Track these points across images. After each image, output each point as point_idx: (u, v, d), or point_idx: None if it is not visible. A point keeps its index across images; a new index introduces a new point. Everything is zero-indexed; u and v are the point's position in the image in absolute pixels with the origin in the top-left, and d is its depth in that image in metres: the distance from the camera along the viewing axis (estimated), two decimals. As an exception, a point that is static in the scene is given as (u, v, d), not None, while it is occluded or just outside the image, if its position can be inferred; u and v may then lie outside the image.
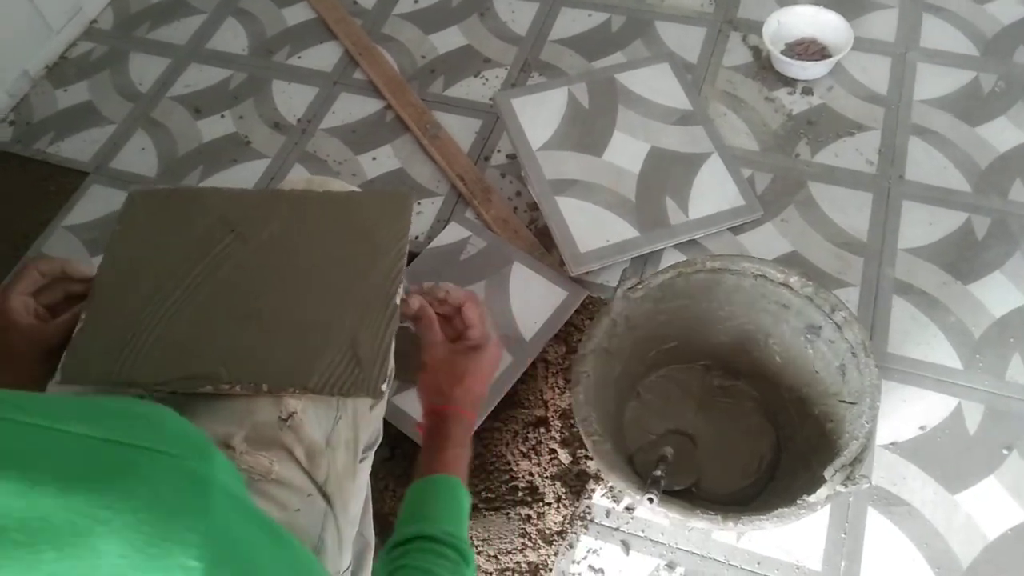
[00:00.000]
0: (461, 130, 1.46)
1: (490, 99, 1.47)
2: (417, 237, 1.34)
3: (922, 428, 1.10)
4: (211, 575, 0.35)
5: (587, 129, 1.36)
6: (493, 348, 0.81)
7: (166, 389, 0.70)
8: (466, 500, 0.74)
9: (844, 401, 0.93)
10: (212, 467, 0.39)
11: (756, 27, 1.50)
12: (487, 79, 1.54)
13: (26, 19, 1.60)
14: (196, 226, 0.80)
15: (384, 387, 0.71)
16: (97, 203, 1.43)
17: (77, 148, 1.52)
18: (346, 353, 0.72)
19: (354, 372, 0.72)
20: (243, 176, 1.44)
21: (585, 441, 0.90)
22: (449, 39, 1.61)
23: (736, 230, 1.29)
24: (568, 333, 1.20)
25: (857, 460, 0.85)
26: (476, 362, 0.78)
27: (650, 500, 0.83)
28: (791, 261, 1.25)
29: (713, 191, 1.30)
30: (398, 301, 0.76)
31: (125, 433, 0.38)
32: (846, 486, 0.83)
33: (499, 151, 1.43)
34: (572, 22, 1.61)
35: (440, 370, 0.78)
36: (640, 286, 0.98)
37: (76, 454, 0.36)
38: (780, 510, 0.84)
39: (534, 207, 1.33)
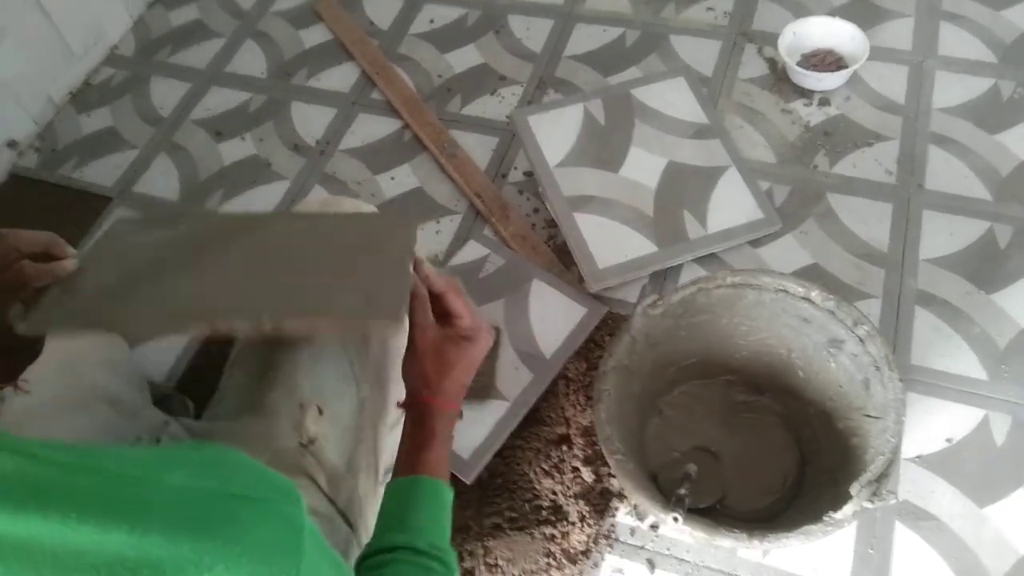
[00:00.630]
0: (478, 148, 1.47)
1: (507, 117, 1.48)
2: (436, 256, 1.34)
3: (948, 440, 1.09)
4: None
5: (604, 145, 1.36)
6: (484, 339, 0.76)
7: (155, 334, 0.67)
8: (450, 500, 0.71)
9: (869, 416, 0.93)
10: (301, 510, 0.42)
11: (771, 39, 1.50)
12: (503, 97, 1.55)
13: (49, 46, 1.63)
14: (193, 229, 0.78)
15: (405, 312, 0.68)
16: (121, 227, 1.45)
17: (101, 173, 1.55)
18: (362, 294, 0.69)
19: (372, 303, 0.68)
20: (264, 198, 1.45)
21: (608, 460, 0.90)
22: (465, 57, 1.62)
23: (755, 243, 1.28)
24: (589, 350, 1.20)
25: (883, 476, 0.85)
26: (467, 353, 0.74)
27: (675, 519, 0.83)
28: (811, 273, 1.25)
29: (731, 204, 1.30)
30: (411, 269, 0.73)
31: (221, 481, 0.40)
32: (872, 502, 0.82)
33: (516, 168, 1.44)
34: (587, 38, 1.62)
35: (428, 355, 0.73)
36: (660, 303, 0.98)
37: (178, 504, 0.38)
38: (806, 527, 0.83)
39: (552, 224, 1.34)
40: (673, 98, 1.41)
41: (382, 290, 0.70)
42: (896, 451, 0.86)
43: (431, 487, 0.70)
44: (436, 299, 0.75)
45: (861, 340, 0.94)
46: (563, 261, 1.30)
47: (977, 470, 1.06)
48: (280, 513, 0.41)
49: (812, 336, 1.00)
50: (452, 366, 0.73)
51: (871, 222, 1.29)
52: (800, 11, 1.58)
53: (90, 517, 0.35)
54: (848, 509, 0.82)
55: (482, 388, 1.15)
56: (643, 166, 1.34)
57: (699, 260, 1.27)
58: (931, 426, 1.10)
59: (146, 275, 0.70)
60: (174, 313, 0.67)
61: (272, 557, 0.39)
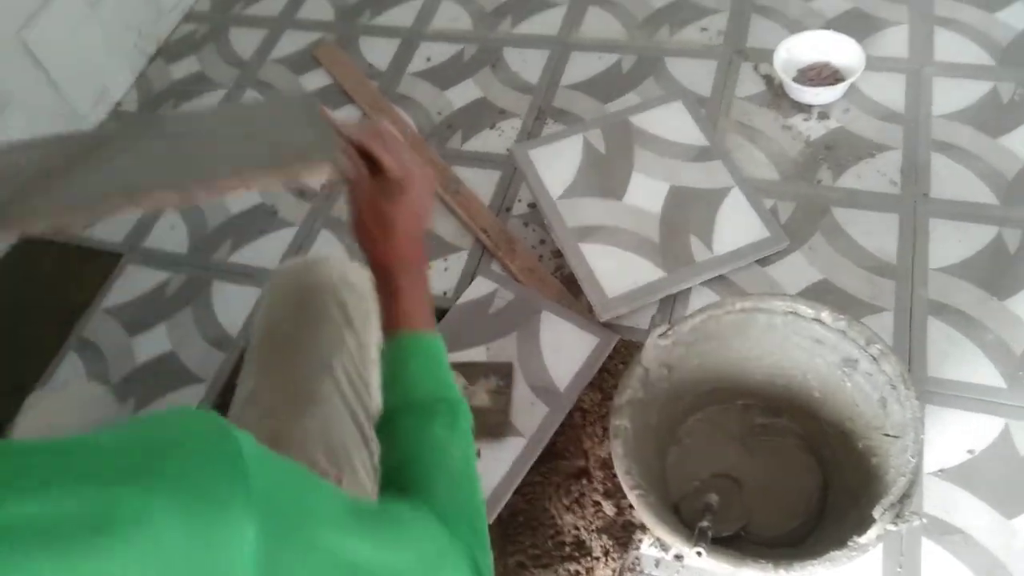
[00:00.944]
0: (481, 183, 1.48)
1: (507, 150, 1.49)
2: (445, 293, 1.35)
3: (970, 452, 1.08)
4: (264, 527, 0.39)
5: (605, 173, 1.37)
6: (417, 182, 0.70)
7: (77, 217, 0.63)
8: (438, 349, 0.69)
9: (888, 435, 0.92)
10: (232, 438, 0.42)
11: (766, 55, 1.51)
12: (503, 130, 1.56)
13: (55, 108, 1.65)
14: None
15: (336, 151, 0.65)
16: (134, 283, 1.47)
17: (110, 229, 1.57)
18: (287, 146, 0.67)
19: (299, 149, 0.66)
20: (272, 246, 1.47)
21: (629, 496, 0.89)
22: (464, 93, 1.63)
23: (763, 262, 1.28)
24: (602, 379, 1.20)
25: (906, 496, 0.84)
26: (403, 204, 0.69)
27: (698, 554, 0.82)
28: (821, 289, 1.24)
29: (737, 225, 1.30)
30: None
31: (145, 430, 0.41)
32: (896, 524, 0.82)
33: (520, 200, 1.44)
34: (583, 66, 1.63)
35: (367, 214, 0.69)
36: (670, 332, 0.98)
37: (102, 460, 0.38)
38: (831, 553, 0.83)
39: (559, 254, 1.34)
40: (672, 122, 1.42)
41: (306, 136, 0.67)
42: (917, 471, 0.85)
43: (413, 342, 0.68)
44: (362, 153, 0.69)
45: (875, 359, 0.93)
46: (572, 291, 1.30)
47: (1001, 481, 1.05)
48: (209, 446, 0.40)
49: (826, 357, 1.00)
50: (393, 220, 0.69)
51: (878, 234, 1.29)
52: (794, 26, 1.58)
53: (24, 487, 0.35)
54: (872, 533, 0.82)
55: (497, 425, 1.15)
56: (646, 192, 1.34)
57: (708, 282, 1.27)
58: (951, 438, 1.09)
59: (57, 172, 0.66)
60: (94, 196, 0.62)
61: (210, 490, 0.38)
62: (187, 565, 0.36)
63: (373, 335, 0.91)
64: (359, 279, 0.94)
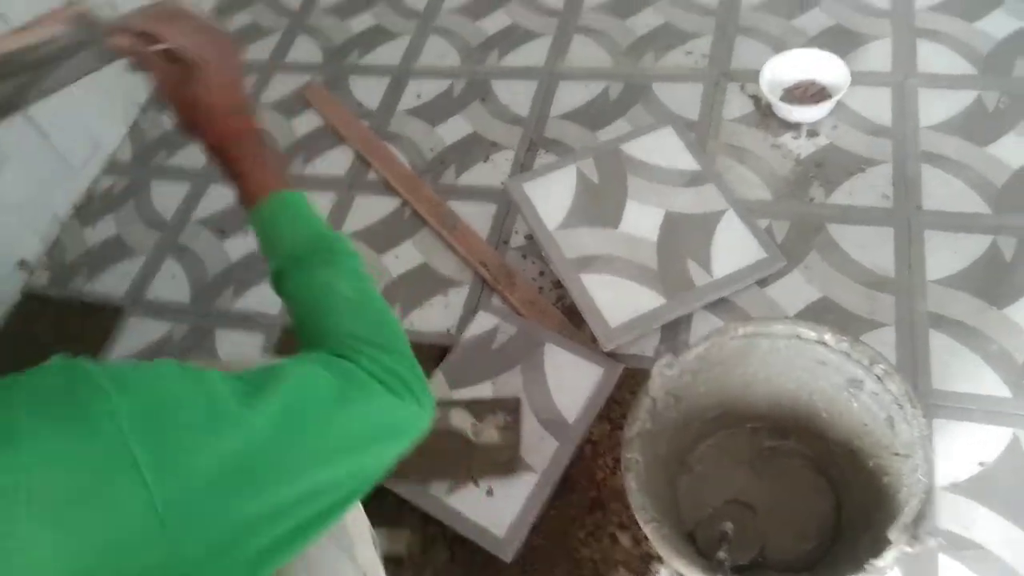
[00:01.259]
0: (478, 217, 1.49)
1: (502, 183, 1.50)
2: (448, 330, 1.36)
3: (981, 464, 1.08)
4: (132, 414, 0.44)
5: (600, 203, 1.38)
6: (214, 50, 0.68)
7: None
8: (298, 198, 0.71)
9: (897, 454, 0.93)
10: (76, 362, 0.47)
11: (752, 75, 1.52)
12: (496, 163, 1.57)
13: (49, 164, 1.66)
14: None
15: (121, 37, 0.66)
16: (136, 337, 1.47)
17: (111, 283, 1.57)
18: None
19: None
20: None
21: (644, 529, 0.89)
22: (455, 128, 1.65)
23: (762, 283, 1.29)
24: (610, 409, 1.21)
25: (920, 517, 0.84)
26: (207, 80, 0.67)
27: (717, 586, 0.83)
28: (821, 308, 1.25)
29: (733, 247, 1.31)
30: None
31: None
32: (912, 547, 0.82)
33: (517, 232, 1.45)
34: (571, 95, 1.64)
35: (181, 105, 0.69)
36: (675, 362, 0.99)
37: None
38: (849, 577, 0.83)
39: (559, 284, 1.35)
40: (663, 148, 1.43)
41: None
42: (929, 491, 0.86)
43: (275, 203, 0.70)
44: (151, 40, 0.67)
45: (879, 379, 0.94)
46: (573, 321, 1.31)
47: (1014, 492, 1.05)
48: (55, 377, 0.46)
49: (831, 378, 1.00)
50: (206, 102, 0.68)
51: (874, 249, 1.30)
52: (778, 45, 1.60)
53: None
54: (889, 556, 0.82)
55: (508, 462, 1.16)
56: (642, 220, 1.35)
57: (709, 306, 1.28)
58: (961, 451, 1.09)
59: None
60: None
61: (70, 414, 0.43)
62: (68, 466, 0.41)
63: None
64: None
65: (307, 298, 0.66)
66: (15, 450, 0.40)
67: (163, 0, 0.70)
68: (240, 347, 1.41)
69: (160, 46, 0.67)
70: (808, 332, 0.98)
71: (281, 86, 1.83)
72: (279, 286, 0.70)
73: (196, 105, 0.68)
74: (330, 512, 0.55)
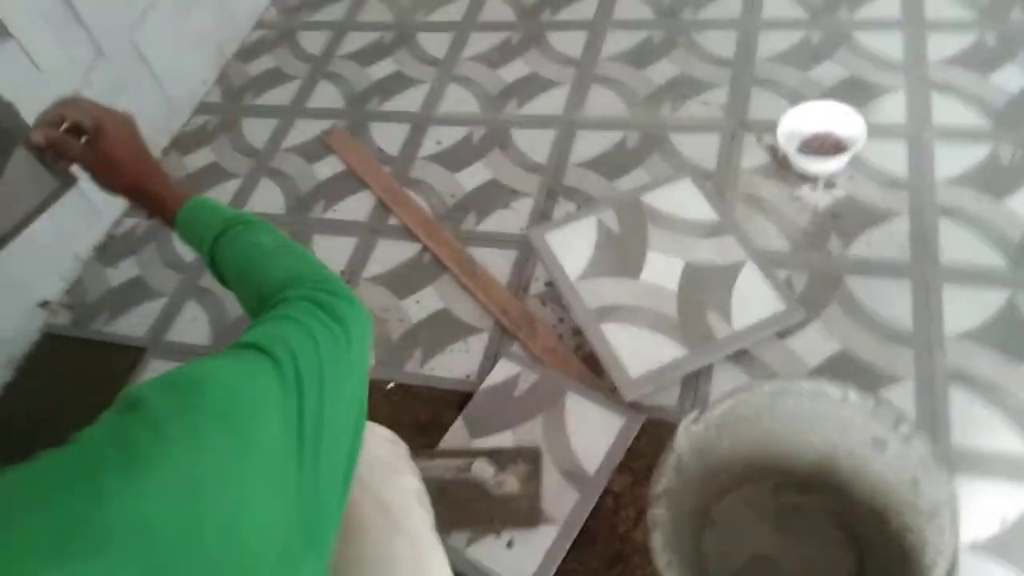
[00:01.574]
0: (498, 262, 1.50)
1: (521, 229, 1.52)
2: (468, 376, 1.36)
3: (1003, 522, 1.08)
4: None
5: (621, 253, 1.39)
6: (103, 112, 0.84)
7: None
8: (203, 200, 0.85)
9: (922, 514, 0.93)
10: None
11: (769, 126, 1.55)
12: (516, 210, 1.59)
13: (71, 205, 1.68)
14: None
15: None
16: (158, 379, 1.48)
17: (132, 325, 1.59)
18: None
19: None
20: (294, 335, 1.48)
21: (670, 587, 0.90)
22: (475, 175, 1.67)
23: (782, 334, 1.30)
24: (631, 459, 1.21)
25: (947, 579, 0.85)
26: (109, 136, 0.83)
27: (746, 648, 0.83)
28: (840, 361, 1.26)
29: (753, 298, 1.32)
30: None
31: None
32: (940, 610, 0.82)
33: (537, 279, 1.47)
34: (589, 144, 1.67)
35: (98, 165, 0.84)
36: (700, 418, 1.00)
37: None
38: (878, 641, 0.83)
39: (578, 331, 1.36)
40: (682, 199, 1.45)
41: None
42: (956, 553, 0.86)
43: (189, 210, 0.84)
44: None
45: (904, 439, 0.94)
46: (594, 369, 1.32)
47: (1037, 550, 1.05)
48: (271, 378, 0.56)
49: (855, 436, 1.01)
50: (114, 154, 0.83)
51: (892, 302, 1.31)
52: (793, 96, 1.63)
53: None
54: (917, 619, 0.82)
55: (529, 513, 1.16)
56: (662, 270, 1.37)
57: (730, 357, 1.29)
58: (982, 509, 1.09)
59: None
60: None
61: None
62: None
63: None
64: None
65: (238, 261, 0.79)
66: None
67: (60, 97, 0.86)
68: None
69: (65, 124, 0.83)
70: (833, 390, 0.99)
71: (303, 131, 1.86)
72: (216, 268, 0.82)
73: (108, 159, 0.84)
74: (361, 417, 0.67)
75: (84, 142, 0.84)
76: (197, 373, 0.54)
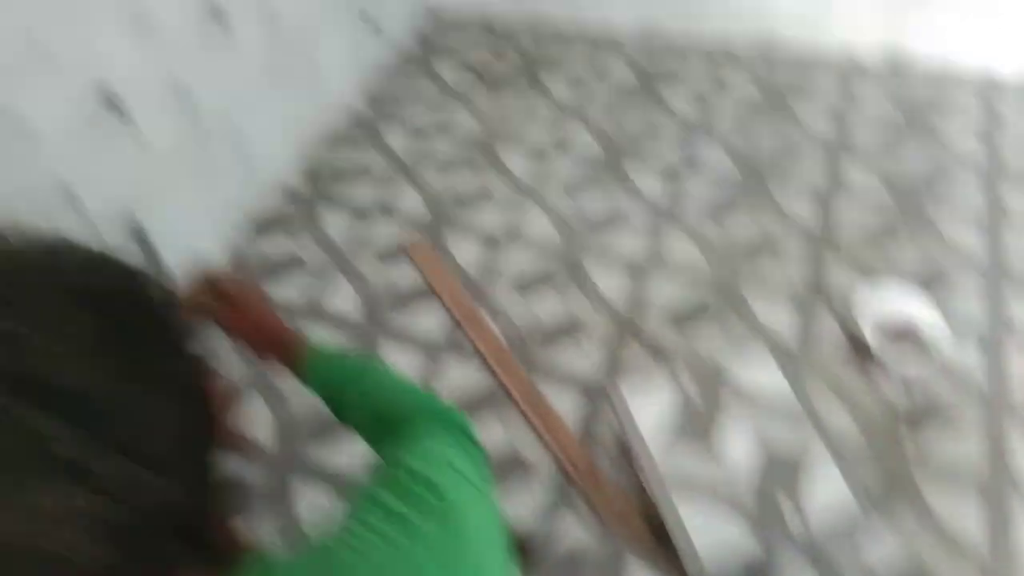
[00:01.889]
0: (563, 400, 1.51)
1: (600, 384, 1.52)
2: (526, 520, 1.36)
3: None
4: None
5: (697, 423, 1.41)
6: (235, 283, 0.90)
7: None
8: (315, 347, 0.85)
9: None
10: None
11: (846, 302, 1.57)
12: (586, 349, 1.60)
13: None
14: None
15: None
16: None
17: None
18: None
19: None
20: (354, 445, 1.48)
21: None
22: (548, 306, 1.69)
23: (851, 535, 1.29)
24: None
25: None
26: (246, 298, 0.89)
27: None
28: (907, 566, 1.25)
29: (825, 491, 1.33)
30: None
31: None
32: None
33: (605, 430, 1.46)
34: (666, 293, 1.68)
35: (238, 324, 0.88)
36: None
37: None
38: None
39: (643, 489, 1.35)
40: (761, 376, 1.47)
41: None
42: None
43: (319, 355, 0.84)
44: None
45: None
46: (658, 536, 1.31)
47: None
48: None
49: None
50: (253, 312, 0.88)
51: (964, 512, 1.31)
52: (871, 272, 1.65)
53: None
54: None
55: None
56: (737, 447, 1.38)
57: (798, 548, 1.28)
58: None
59: None
60: None
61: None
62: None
63: None
64: None
65: (367, 403, 0.80)
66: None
67: (198, 269, 0.92)
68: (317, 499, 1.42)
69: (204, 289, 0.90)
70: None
71: (383, 234, 1.89)
72: (342, 416, 0.83)
73: (249, 317, 0.90)
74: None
75: (221, 303, 0.90)
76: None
